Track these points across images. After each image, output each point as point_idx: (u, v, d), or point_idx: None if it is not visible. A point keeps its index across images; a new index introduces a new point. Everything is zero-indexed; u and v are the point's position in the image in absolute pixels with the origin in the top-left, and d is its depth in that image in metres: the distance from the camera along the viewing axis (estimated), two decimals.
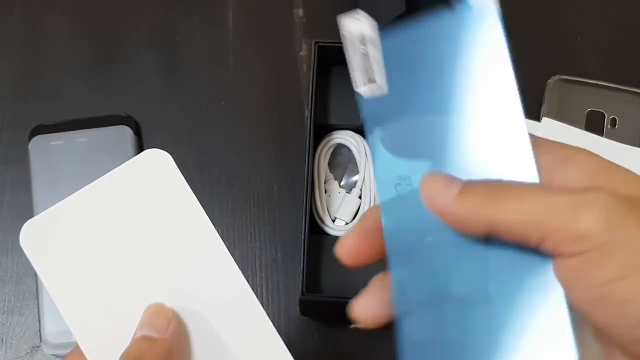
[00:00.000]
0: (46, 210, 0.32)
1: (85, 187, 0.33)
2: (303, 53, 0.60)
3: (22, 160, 0.56)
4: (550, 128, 0.54)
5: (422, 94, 0.30)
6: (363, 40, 0.31)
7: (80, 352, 0.33)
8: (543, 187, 0.26)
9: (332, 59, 0.55)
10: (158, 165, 0.33)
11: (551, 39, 0.61)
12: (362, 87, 0.30)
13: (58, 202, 0.53)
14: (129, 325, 0.32)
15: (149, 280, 0.32)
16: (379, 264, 0.45)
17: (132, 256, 0.32)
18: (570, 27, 0.61)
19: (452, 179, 0.28)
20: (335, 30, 0.65)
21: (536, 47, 0.60)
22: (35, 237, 0.32)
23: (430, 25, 0.29)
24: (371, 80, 0.30)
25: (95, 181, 0.33)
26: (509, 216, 0.25)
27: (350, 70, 0.30)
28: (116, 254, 0.32)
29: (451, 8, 0.29)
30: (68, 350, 0.51)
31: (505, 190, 0.26)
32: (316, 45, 0.53)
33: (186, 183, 0.33)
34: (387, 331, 0.56)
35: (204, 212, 0.33)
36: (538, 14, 0.62)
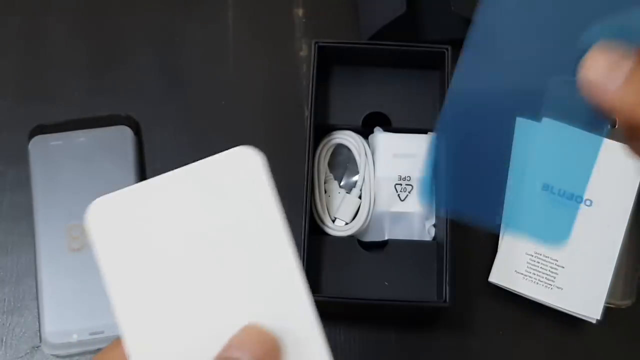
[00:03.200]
0: (119, 191, 0.29)
1: (163, 175, 0.29)
2: (303, 53, 0.60)
3: (22, 160, 0.56)
4: (550, 128, 0.54)
5: None
6: None
7: (118, 347, 0.29)
8: None
9: (332, 59, 0.55)
10: (246, 166, 0.30)
11: None
12: None
13: (61, 202, 0.53)
14: (186, 332, 0.28)
15: (213, 293, 0.29)
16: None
17: (199, 262, 0.29)
18: None
19: (619, 58, 0.24)
20: (335, 30, 0.66)
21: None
22: (102, 217, 0.28)
23: None
24: None
25: (175, 171, 0.29)
26: None
27: None
28: (184, 255, 0.29)
29: None
30: (68, 351, 0.52)
31: None
32: (316, 45, 0.53)
33: (272, 191, 0.30)
34: (386, 333, 0.56)
35: (283, 227, 0.29)
36: None
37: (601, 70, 0.24)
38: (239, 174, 0.30)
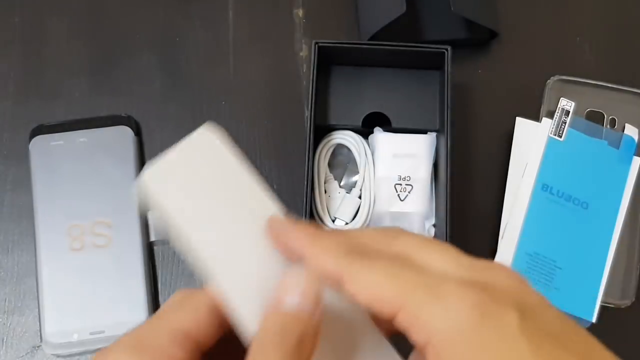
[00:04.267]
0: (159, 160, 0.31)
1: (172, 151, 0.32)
2: (303, 53, 0.60)
3: (23, 160, 0.56)
4: (549, 128, 0.54)
5: None
6: None
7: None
8: (404, 263, 0.26)
9: (332, 59, 0.56)
10: (208, 146, 0.33)
11: (551, 39, 0.61)
12: None
13: (61, 202, 0.53)
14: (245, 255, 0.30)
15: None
16: None
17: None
18: (570, 27, 0.61)
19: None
20: (335, 30, 0.66)
21: (536, 47, 0.61)
22: (158, 179, 0.31)
23: None
24: None
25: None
26: (360, 280, 0.25)
27: None
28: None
29: None
30: (69, 350, 0.52)
31: (366, 253, 0.26)
32: (316, 45, 0.54)
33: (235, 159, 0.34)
34: None
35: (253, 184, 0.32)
36: (538, 14, 0.62)
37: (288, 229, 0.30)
38: (209, 151, 0.33)
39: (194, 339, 0.28)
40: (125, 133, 0.56)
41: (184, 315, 0.28)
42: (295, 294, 0.27)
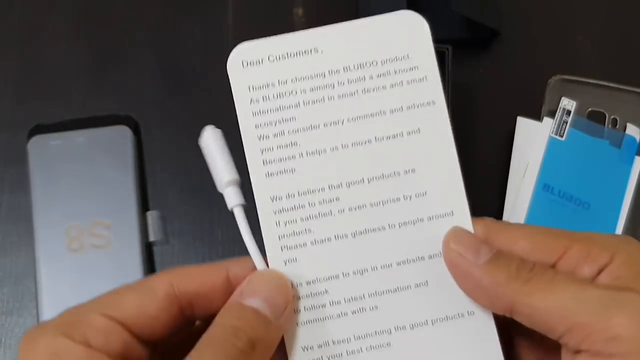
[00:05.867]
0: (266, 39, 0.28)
1: (322, 28, 0.29)
2: None
3: (21, 161, 0.56)
4: (551, 128, 0.54)
5: None
6: None
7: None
8: (575, 277, 0.25)
9: None
10: (408, 29, 0.29)
11: (553, 38, 0.61)
12: None
13: (60, 202, 0.53)
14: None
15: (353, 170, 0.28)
16: None
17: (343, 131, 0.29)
18: (571, 27, 0.61)
19: (481, 243, 0.26)
20: None
21: (538, 46, 0.60)
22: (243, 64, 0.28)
23: None
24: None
25: (335, 25, 0.29)
26: (535, 303, 0.24)
27: None
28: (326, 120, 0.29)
29: None
30: None
31: (538, 273, 0.25)
32: None
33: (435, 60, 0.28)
34: None
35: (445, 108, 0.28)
36: (540, 12, 0.61)
37: (465, 251, 0.26)
38: (401, 39, 0.29)
39: (134, 324, 0.26)
40: (124, 133, 0.56)
41: (129, 299, 0.27)
42: (259, 296, 0.27)
